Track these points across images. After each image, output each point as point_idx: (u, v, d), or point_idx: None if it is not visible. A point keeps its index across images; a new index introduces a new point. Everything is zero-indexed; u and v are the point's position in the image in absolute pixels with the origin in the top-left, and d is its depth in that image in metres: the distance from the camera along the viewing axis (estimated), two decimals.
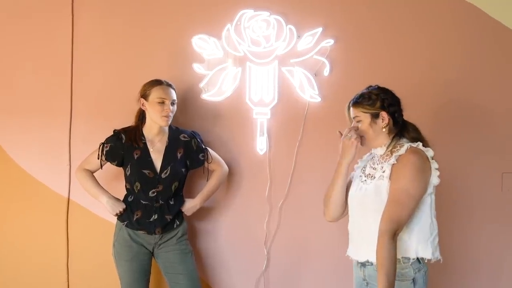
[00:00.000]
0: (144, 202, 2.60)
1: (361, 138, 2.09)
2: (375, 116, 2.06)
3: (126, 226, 2.63)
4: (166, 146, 2.63)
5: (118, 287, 2.98)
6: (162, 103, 2.57)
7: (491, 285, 2.97)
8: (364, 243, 2.03)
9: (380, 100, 2.07)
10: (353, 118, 2.11)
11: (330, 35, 2.89)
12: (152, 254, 2.66)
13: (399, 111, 2.11)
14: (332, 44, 2.89)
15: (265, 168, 2.92)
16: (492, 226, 2.95)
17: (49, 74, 2.96)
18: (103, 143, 2.66)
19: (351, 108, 2.12)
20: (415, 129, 2.11)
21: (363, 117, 2.07)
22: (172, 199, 2.63)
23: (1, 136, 2.97)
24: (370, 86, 2.13)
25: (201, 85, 2.89)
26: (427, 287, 2.00)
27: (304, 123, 2.92)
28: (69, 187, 2.96)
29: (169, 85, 2.63)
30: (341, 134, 2.13)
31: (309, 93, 2.90)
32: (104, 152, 2.64)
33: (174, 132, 2.67)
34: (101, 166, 2.68)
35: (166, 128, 2.67)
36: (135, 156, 2.60)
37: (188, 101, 2.89)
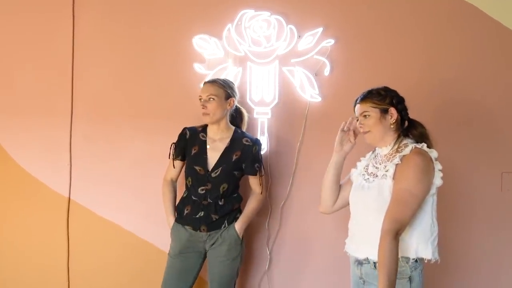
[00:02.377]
0: (194, 198, 2.61)
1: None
2: (384, 112, 2.07)
3: (176, 221, 2.65)
4: (226, 147, 2.63)
5: (118, 286, 3.00)
6: (201, 99, 2.60)
7: (491, 284, 2.97)
8: (365, 241, 2.03)
9: (389, 97, 2.09)
10: (361, 114, 2.10)
11: (331, 35, 2.90)
12: (204, 255, 2.66)
13: (405, 109, 2.12)
14: (333, 44, 2.90)
15: (266, 167, 2.92)
16: (491, 225, 2.95)
17: (50, 74, 2.97)
18: (174, 143, 2.69)
19: (358, 106, 2.12)
20: (422, 125, 2.12)
21: (372, 112, 2.07)
22: (222, 199, 2.62)
23: (1, 135, 2.98)
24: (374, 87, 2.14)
25: (202, 85, 2.89)
26: (423, 285, 2.01)
27: (305, 123, 2.93)
28: (70, 187, 2.97)
29: (211, 81, 2.64)
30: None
31: (309, 92, 2.91)
32: (176, 150, 2.68)
33: (238, 135, 2.66)
34: (174, 166, 2.69)
35: (230, 130, 2.67)
36: (192, 152, 2.64)
37: (189, 101, 2.89)
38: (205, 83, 2.65)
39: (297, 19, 2.90)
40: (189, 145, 2.66)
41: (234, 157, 2.61)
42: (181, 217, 2.64)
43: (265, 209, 2.94)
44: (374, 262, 1.97)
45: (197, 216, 2.60)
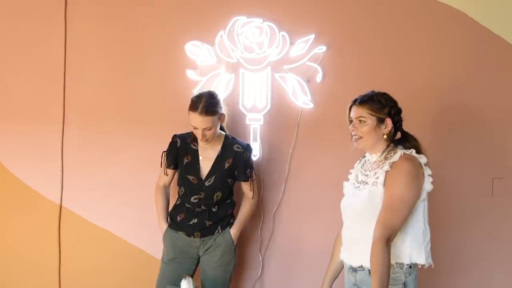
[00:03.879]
0: (187, 205, 2.62)
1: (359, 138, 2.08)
2: (380, 121, 2.06)
3: (170, 226, 2.65)
4: (218, 155, 2.61)
5: None
6: (196, 128, 2.51)
7: None
8: (358, 248, 2.03)
9: (388, 107, 2.07)
10: (356, 117, 2.08)
11: (323, 42, 2.91)
12: (197, 261, 2.66)
13: (400, 121, 2.12)
14: (325, 51, 2.90)
15: (259, 174, 2.92)
16: (483, 230, 2.97)
17: (42, 81, 2.95)
18: (164, 151, 2.67)
19: (355, 107, 2.09)
20: (415, 138, 2.11)
21: (369, 119, 2.05)
22: (216, 206, 2.62)
23: None
24: (374, 91, 2.11)
25: (195, 91, 2.89)
26: None
27: (297, 129, 2.93)
28: (61, 194, 2.95)
29: (204, 112, 2.46)
30: None
31: (302, 99, 2.91)
32: (168, 159, 2.66)
33: (229, 141, 2.64)
34: (166, 173, 2.69)
35: (221, 136, 2.64)
36: (185, 161, 2.62)
37: (181, 107, 2.87)
38: (200, 115, 2.46)
39: (289, 26, 2.91)
40: (180, 153, 2.64)
41: (227, 165, 2.61)
42: (174, 223, 2.65)
43: (257, 216, 2.94)
44: (368, 269, 1.97)
45: (191, 223, 2.60)
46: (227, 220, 2.66)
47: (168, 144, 2.68)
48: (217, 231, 2.62)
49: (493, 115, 2.95)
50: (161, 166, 2.69)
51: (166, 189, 2.74)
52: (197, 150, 2.63)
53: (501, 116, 2.96)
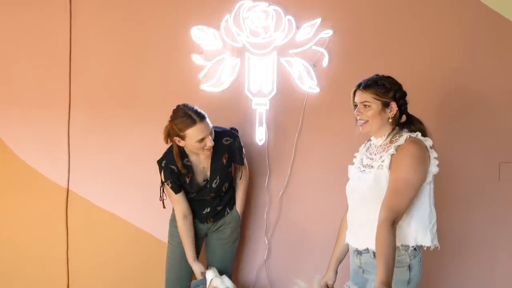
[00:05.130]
0: (198, 198, 2.65)
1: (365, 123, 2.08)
2: (385, 105, 2.05)
3: None
4: (212, 156, 2.58)
5: (117, 277, 3.01)
6: (202, 139, 2.42)
7: (487, 272, 3.00)
8: (363, 231, 2.04)
9: (393, 90, 2.06)
10: (361, 102, 2.07)
11: (329, 26, 2.89)
12: (203, 238, 2.74)
13: (405, 104, 2.10)
14: (331, 35, 2.89)
15: (264, 158, 2.93)
16: (489, 214, 2.97)
17: (48, 67, 2.96)
18: (163, 182, 2.56)
19: (360, 92, 2.07)
20: (420, 121, 2.10)
21: (373, 103, 2.04)
22: (224, 193, 2.68)
23: (1, 128, 2.98)
24: (378, 74, 2.10)
25: (200, 75, 2.90)
26: (421, 274, 2.03)
27: (303, 114, 2.93)
28: (68, 178, 2.98)
29: (203, 118, 2.41)
30: None
31: (308, 83, 2.90)
32: (171, 188, 2.55)
33: (216, 138, 2.52)
34: (178, 202, 2.58)
35: None
36: (187, 180, 2.58)
37: (187, 92, 2.89)
38: (201, 121, 2.39)
39: (295, 9, 2.89)
40: (181, 177, 2.57)
41: (224, 161, 2.61)
42: None
43: (263, 200, 2.96)
44: (373, 252, 1.97)
45: (204, 212, 2.66)
46: (233, 200, 2.74)
47: (162, 170, 2.55)
48: (226, 212, 2.71)
49: (500, 99, 2.94)
50: (160, 199, 2.58)
51: (188, 218, 2.60)
52: (191, 166, 2.58)
53: (508, 99, 2.94)
